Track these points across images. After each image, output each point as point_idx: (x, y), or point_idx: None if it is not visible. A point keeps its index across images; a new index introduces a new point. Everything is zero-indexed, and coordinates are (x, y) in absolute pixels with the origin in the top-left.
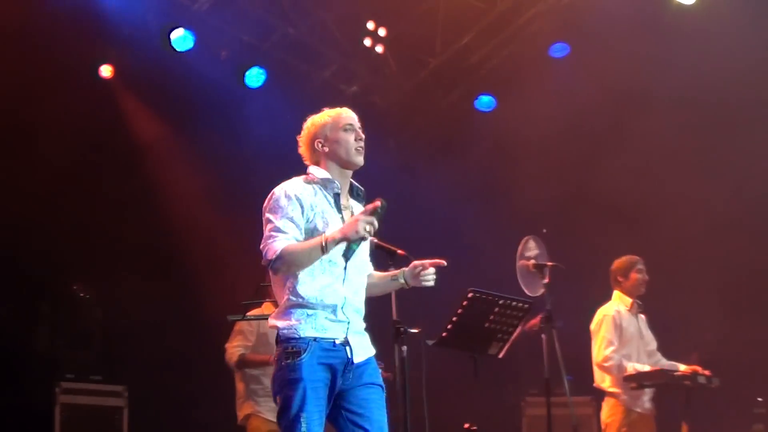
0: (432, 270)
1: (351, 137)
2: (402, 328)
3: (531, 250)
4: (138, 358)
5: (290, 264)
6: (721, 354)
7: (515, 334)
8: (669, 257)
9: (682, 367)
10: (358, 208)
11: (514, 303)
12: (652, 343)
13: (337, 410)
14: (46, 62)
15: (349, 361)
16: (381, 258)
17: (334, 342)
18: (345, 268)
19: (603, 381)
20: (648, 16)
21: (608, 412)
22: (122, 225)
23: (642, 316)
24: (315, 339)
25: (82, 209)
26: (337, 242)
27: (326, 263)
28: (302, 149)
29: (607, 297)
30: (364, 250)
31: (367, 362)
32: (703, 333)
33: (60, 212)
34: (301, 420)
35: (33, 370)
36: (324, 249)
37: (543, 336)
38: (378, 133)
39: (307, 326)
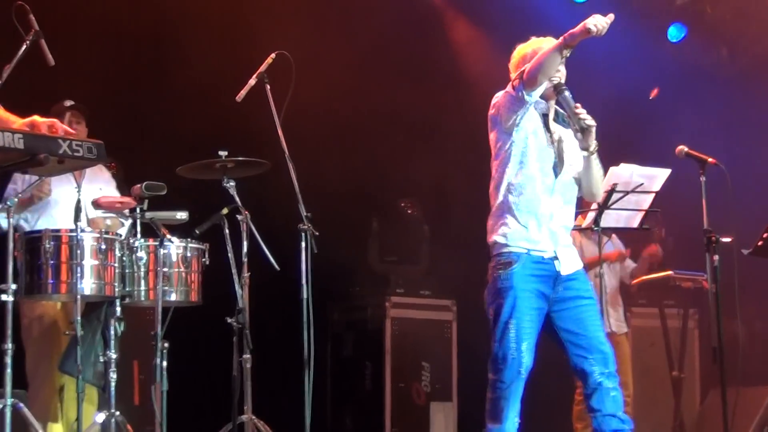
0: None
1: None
2: (714, 237)
3: None
4: (465, 271)
5: (536, 72)
6: None
7: None
8: None
9: None
10: (563, 132)
11: None
12: None
13: (553, 329)
14: None
15: (558, 274)
16: (693, 167)
17: (543, 256)
18: (554, 181)
19: None
20: None
21: None
22: (449, 146)
23: None
24: (527, 251)
25: (407, 124)
26: (576, 37)
27: (539, 173)
28: (512, 74)
29: None
30: (571, 169)
31: (576, 275)
32: None
33: (387, 133)
34: (510, 326)
35: (365, 285)
36: (564, 46)
37: None
38: (709, 42)
39: (519, 237)
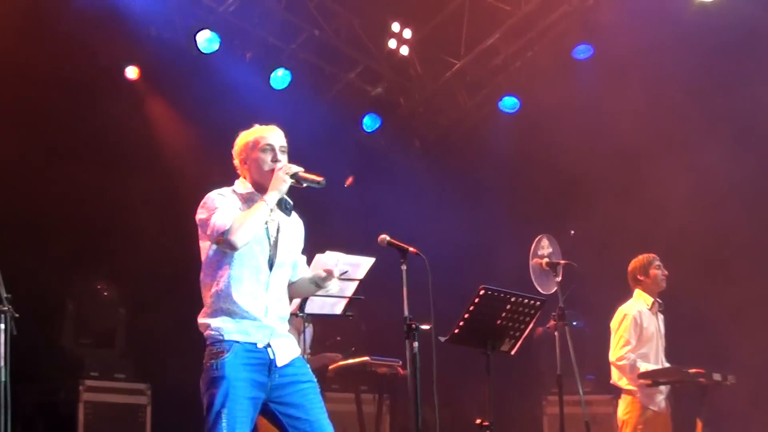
0: (335, 281)
1: (268, 158)
2: (413, 325)
3: (544, 248)
4: (161, 356)
5: (243, 229)
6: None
7: (527, 331)
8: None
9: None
10: (284, 220)
11: (526, 300)
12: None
13: (275, 416)
14: (74, 64)
15: (272, 363)
16: (393, 256)
17: (256, 345)
18: (269, 276)
19: (620, 379)
20: (671, 15)
21: (624, 409)
22: (145, 225)
23: (661, 316)
24: (238, 342)
25: (105, 207)
26: (274, 198)
27: (253, 272)
28: (234, 161)
29: (625, 295)
30: (286, 260)
31: (292, 363)
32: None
33: (86, 208)
34: (222, 417)
35: (57, 367)
36: (268, 204)
37: (556, 333)
38: (403, 133)
39: (232, 330)
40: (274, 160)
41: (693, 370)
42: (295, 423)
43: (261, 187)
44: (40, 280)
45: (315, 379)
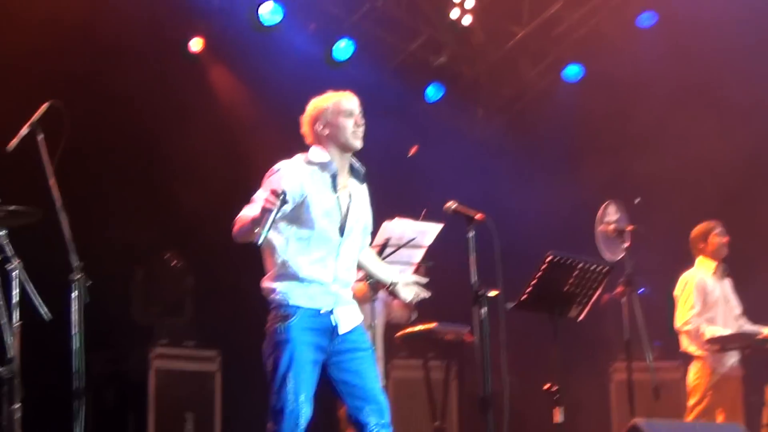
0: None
1: (350, 123)
2: (481, 291)
3: (611, 215)
4: (230, 323)
5: (237, 231)
6: None
7: (594, 298)
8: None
9: (766, 330)
10: (356, 186)
11: (593, 267)
12: (738, 308)
13: (331, 380)
14: (137, 36)
15: (335, 329)
16: (459, 223)
17: (320, 310)
18: (339, 243)
19: (689, 345)
20: None
21: (694, 375)
22: (211, 194)
23: (727, 280)
24: (304, 306)
25: (173, 177)
26: (259, 220)
27: (323, 238)
28: (304, 129)
29: (692, 262)
30: (357, 227)
31: (354, 330)
32: None
33: (153, 179)
34: (288, 380)
35: (128, 336)
36: (254, 222)
37: (623, 300)
38: (466, 103)
39: (298, 295)
40: (357, 124)
41: (762, 336)
42: (350, 390)
43: (343, 149)
44: (110, 250)
45: (373, 348)
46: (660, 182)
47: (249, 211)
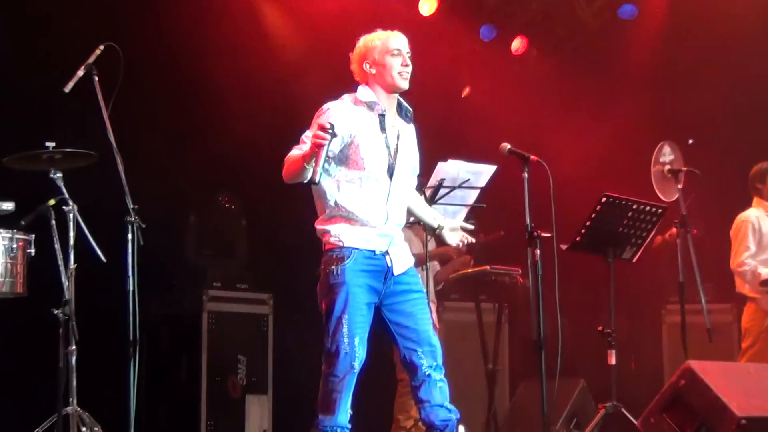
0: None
1: (397, 62)
2: (536, 233)
3: (666, 155)
4: (283, 265)
5: (287, 171)
6: None
7: (648, 239)
8: None
9: None
10: (403, 126)
11: (647, 207)
12: None
13: (384, 322)
14: None
15: (389, 271)
16: (514, 164)
17: (375, 252)
18: (390, 184)
19: (743, 287)
20: None
21: (748, 317)
22: (262, 138)
23: None
24: (358, 248)
25: (224, 123)
26: (311, 156)
27: (372, 179)
28: (353, 66)
29: (748, 203)
30: (406, 167)
31: (407, 271)
32: None
33: (204, 125)
34: (343, 322)
35: (181, 278)
36: (305, 160)
37: (677, 241)
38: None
39: (352, 236)
40: (404, 64)
41: None
42: (403, 331)
43: (389, 89)
44: (164, 192)
45: (425, 290)
46: (715, 120)
47: (298, 151)
